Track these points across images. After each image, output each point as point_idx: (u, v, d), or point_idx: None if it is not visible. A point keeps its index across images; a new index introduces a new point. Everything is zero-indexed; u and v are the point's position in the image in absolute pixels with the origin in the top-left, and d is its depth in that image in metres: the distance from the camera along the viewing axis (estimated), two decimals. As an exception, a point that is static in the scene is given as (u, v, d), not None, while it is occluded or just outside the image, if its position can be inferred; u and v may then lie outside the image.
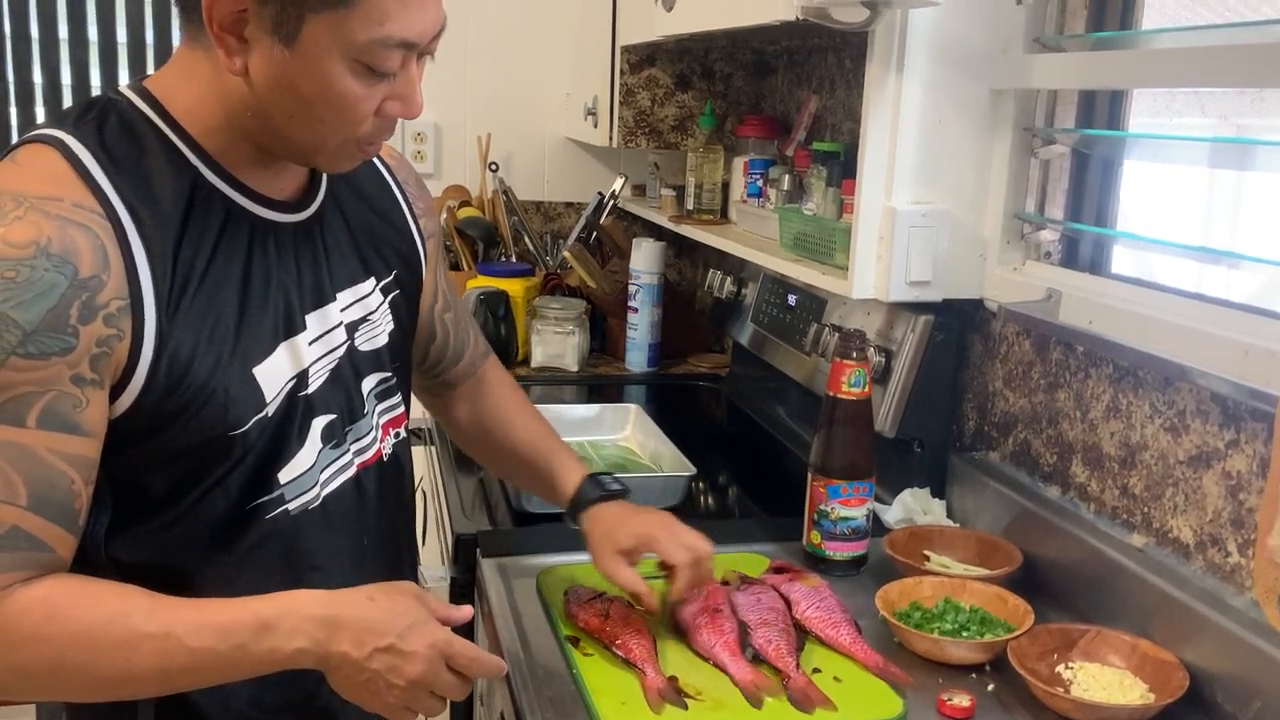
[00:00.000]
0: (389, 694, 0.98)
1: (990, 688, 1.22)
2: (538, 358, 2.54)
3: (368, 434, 1.15)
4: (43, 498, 0.90)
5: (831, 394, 1.48)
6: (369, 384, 1.16)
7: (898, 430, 1.65)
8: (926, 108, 1.52)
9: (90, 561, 0.99)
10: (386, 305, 1.18)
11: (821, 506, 1.48)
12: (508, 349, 2.52)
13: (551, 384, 2.50)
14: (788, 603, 1.33)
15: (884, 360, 1.67)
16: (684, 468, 1.76)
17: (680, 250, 2.92)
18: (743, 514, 1.87)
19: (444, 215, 2.82)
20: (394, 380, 1.20)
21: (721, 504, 1.91)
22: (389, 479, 1.19)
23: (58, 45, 2.84)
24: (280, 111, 0.97)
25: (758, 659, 1.23)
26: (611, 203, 2.65)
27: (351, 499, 1.14)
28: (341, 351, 1.11)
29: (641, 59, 2.38)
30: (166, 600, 0.95)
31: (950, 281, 1.58)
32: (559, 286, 2.74)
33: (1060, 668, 1.22)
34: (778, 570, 1.43)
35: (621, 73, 2.38)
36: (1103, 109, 1.52)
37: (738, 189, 2.23)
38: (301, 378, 1.06)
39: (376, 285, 1.17)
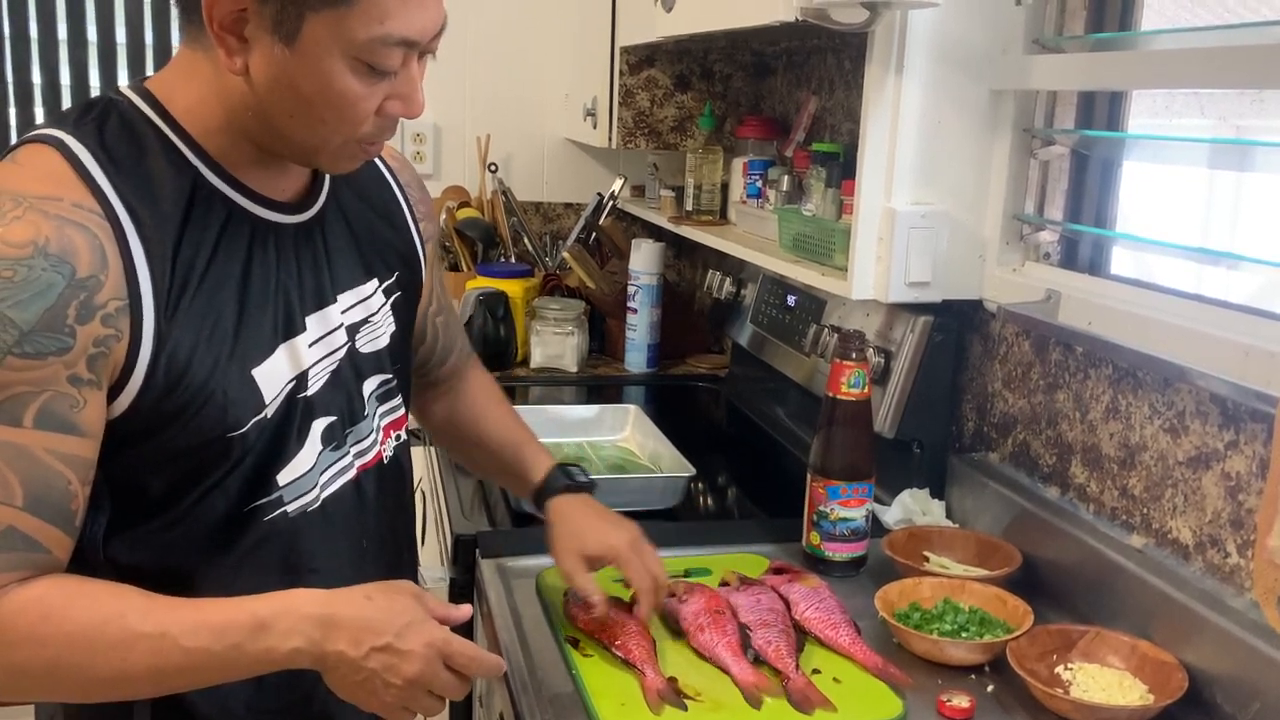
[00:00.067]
0: (386, 693, 0.97)
1: (990, 689, 1.22)
2: (537, 358, 2.53)
3: (368, 436, 1.15)
4: (39, 498, 0.90)
5: (831, 395, 1.48)
6: (370, 386, 1.16)
7: (897, 431, 1.65)
8: (926, 108, 1.52)
9: (88, 562, 0.99)
10: (388, 307, 1.18)
11: (821, 507, 1.48)
12: (507, 350, 2.52)
13: (551, 385, 2.50)
14: (787, 604, 1.33)
15: (883, 361, 1.67)
16: (683, 468, 1.76)
17: (679, 251, 2.92)
18: (742, 515, 1.87)
19: (443, 216, 2.82)
20: (395, 382, 1.20)
21: (721, 505, 1.91)
22: (389, 481, 1.19)
23: (57, 45, 2.84)
24: (281, 111, 0.96)
25: (758, 660, 1.23)
26: (611, 203, 2.65)
27: (351, 501, 1.13)
28: (342, 353, 1.11)
29: (641, 60, 2.39)
30: (163, 600, 0.95)
31: (949, 282, 1.58)
32: (558, 287, 2.74)
33: (1060, 668, 1.22)
34: (777, 571, 1.43)
35: (621, 73, 2.38)
36: (1102, 110, 1.52)
37: (737, 190, 2.23)
38: (301, 379, 1.06)
39: (379, 286, 1.17)
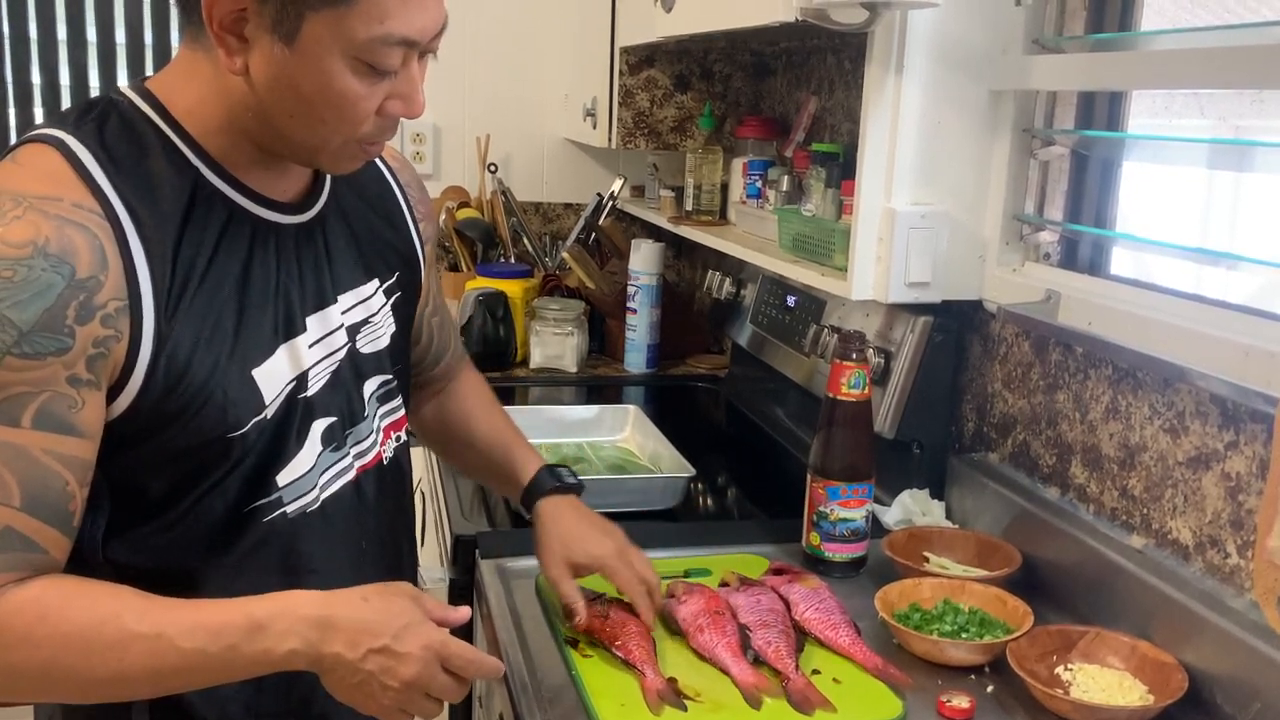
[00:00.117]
0: (383, 696, 0.97)
1: (989, 689, 1.22)
2: (536, 359, 2.53)
3: (368, 437, 1.15)
4: (36, 499, 0.90)
5: (831, 395, 1.48)
6: (370, 386, 1.15)
7: (897, 431, 1.65)
8: (926, 109, 1.52)
9: (88, 563, 0.99)
10: (389, 307, 1.18)
11: (821, 508, 1.48)
12: (506, 350, 2.52)
13: (550, 385, 2.50)
14: (787, 604, 1.33)
15: (883, 361, 1.67)
16: (683, 469, 1.76)
17: (679, 251, 2.92)
18: (742, 515, 1.87)
19: (443, 216, 2.82)
20: (395, 383, 1.20)
21: (720, 505, 1.91)
22: (389, 482, 1.19)
23: (56, 46, 2.84)
24: (281, 111, 0.96)
25: (757, 661, 1.23)
26: (610, 204, 2.65)
27: (351, 502, 1.13)
28: (343, 354, 1.11)
29: (640, 60, 2.38)
30: (159, 601, 0.94)
31: (949, 283, 1.58)
32: (558, 287, 2.74)
33: (1059, 669, 1.22)
34: (777, 572, 1.43)
35: (620, 74, 2.38)
36: (1102, 110, 1.52)
37: (737, 190, 2.23)
38: (301, 380, 1.06)
39: (380, 287, 1.17)
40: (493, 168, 2.87)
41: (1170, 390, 1.29)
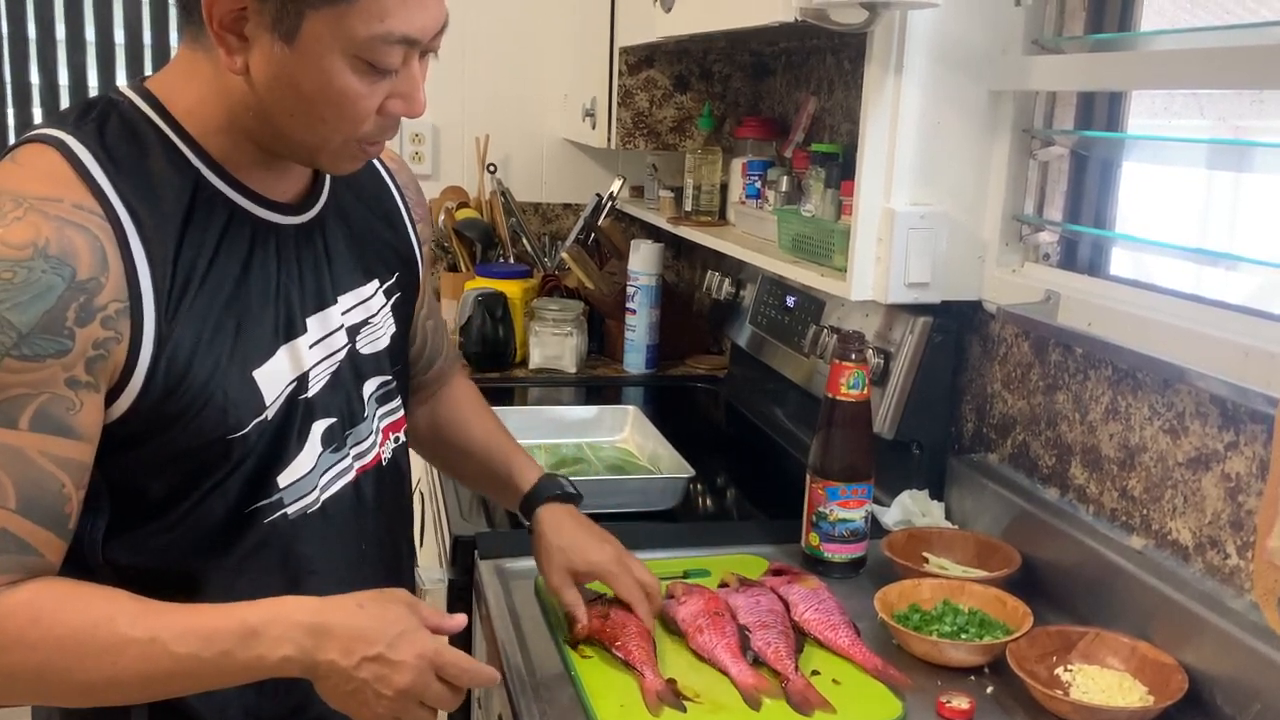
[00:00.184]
0: (377, 704, 0.96)
1: (989, 690, 1.22)
2: (536, 359, 2.53)
3: (368, 438, 1.15)
4: (32, 501, 0.90)
5: (830, 396, 1.48)
6: (370, 387, 1.15)
7: (896, 432, 1.65)
8: (925, 109, 1.52)
9: (88, 564, 0.99)
10: (388, 308, 1.18)
11: (820, 508, 1.48)
12: (505, 350, 2.52)
13: (549, 385, 2.50)
14: (786, 605, 1.33)
15: (882, 362, 1.67)
16: (682, 469, 1.76)
17: (678, 252, 2.92)
18: (741, 516, 1.87)
19: (442, 216, 2.82)
20: (394, 384, 1.20)
21: (720, 506, 1.91)
22: (388, 483, 1.18)
23: (55, 46, 2.83)
24: (282, 110, 0.96)
25: (757, 662, 1.23)
26: (610, 204, 2.65)
27: (350, 503, 1.13)
28: (342, 355, 1.11)
29: (640, 60, 2.38)
30: (153, 605, 0.94)
31: (949, 283, 1.58)
32: (557, 288, 2.74)
33: (1059, 670, 1.22)
34: (776, 572, 1.43)
35: (620, 74, 2.38)
36: (1101, 110, 1.52)
37: (736, 190, 2.23)
38: (302, 381, 1.06)
39: (379, 288, 1.17)
40: (492, 168, 2.87)
41: (1170, 391, 1.29)
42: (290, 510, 1.06)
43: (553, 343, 2.52)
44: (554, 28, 2.86)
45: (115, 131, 0.96)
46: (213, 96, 0.98)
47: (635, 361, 2.56)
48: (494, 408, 1.47)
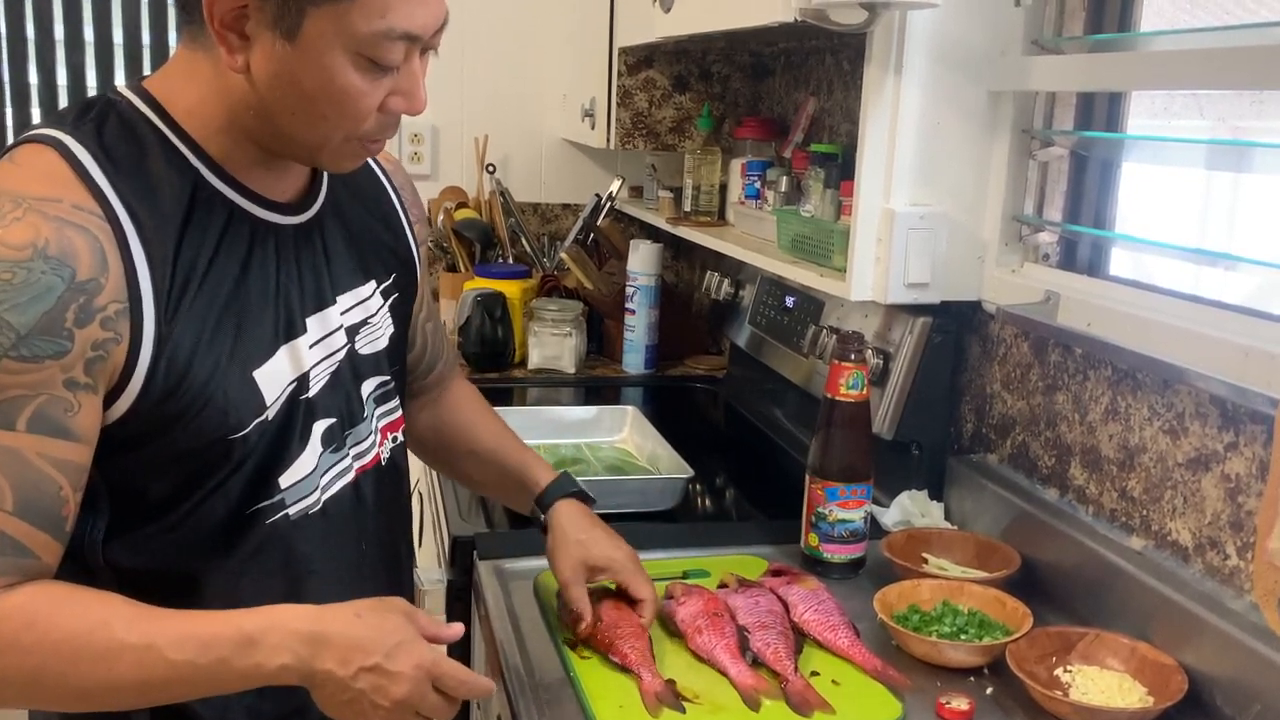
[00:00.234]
0: (374, 714, 0.96)
1: (989, 691, 1.22)
2: (535, 359, 2.53)
3: (367, 438, 1.15)
4: (29, 502, 0.89)
5: (829, 396, 1.48)
6: (368, 387, 1.15)
7: (896, 432, 1.65)
8: (925, 109, 1.52)
9: (88, 566, 0.99)
10: (386, 308, 1.18)
11: (819, 509, 1.48)
12: (505, 351, 2.52)
13: (548, 386, 2.50)
14: (786, 605, 1.32)
15: (882, 362, 1.67)
16: (681, 470, 1.76)
17: (678, 252, 2.92)
18: (740, 516, 1.87)
19: (441, 217, 2.81)
20: (392, 384, 1.20)
21: (719, 506, 1.91)
22: (387, 483, 1.18)
23: (53, 46, 2.83)
24: (283, 109, 0.96)
25: (756, 662, 1.23)
26: (609, 204, 2.65)
27: (350, 503, 1.13)
28: (342, 355, 1.11)
29: (639, 60, 2.38)
30: (150, 611, 0.93)
31: (948, 283, 1.58)
32: (556, 288, 2.73)
33: (1059, 671, 1.22)
34: (775, 573, 1.43)
35: (619, 74, 2.38)
36: (1101, 111, 1.52)
37: (735, 191, 2.23)
38: (302, 381, 1.06)
39: (377, 288, 1.16)
40: (491, 168, 2.87)
41: (1170, 391, 1.29)
42: (291, 511, 1.06)
43: (552, 343, 2.52)
44: (553, 28, 2.86)
45: (114, 132, 0.96)
46: (213, 96, 0.98)
47: (634, 362, 2.56)
48: (493, 408, 1.47)
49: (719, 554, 1.53)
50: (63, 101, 2.86)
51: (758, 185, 2.13)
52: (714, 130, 2.35)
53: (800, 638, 1.28)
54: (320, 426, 1.08)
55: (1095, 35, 1.49)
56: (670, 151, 2.48)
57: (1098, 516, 1.42)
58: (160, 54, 2.86)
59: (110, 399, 0.93)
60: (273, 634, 0.93)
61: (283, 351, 1.04)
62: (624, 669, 1.21)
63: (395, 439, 1.21)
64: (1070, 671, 1.22)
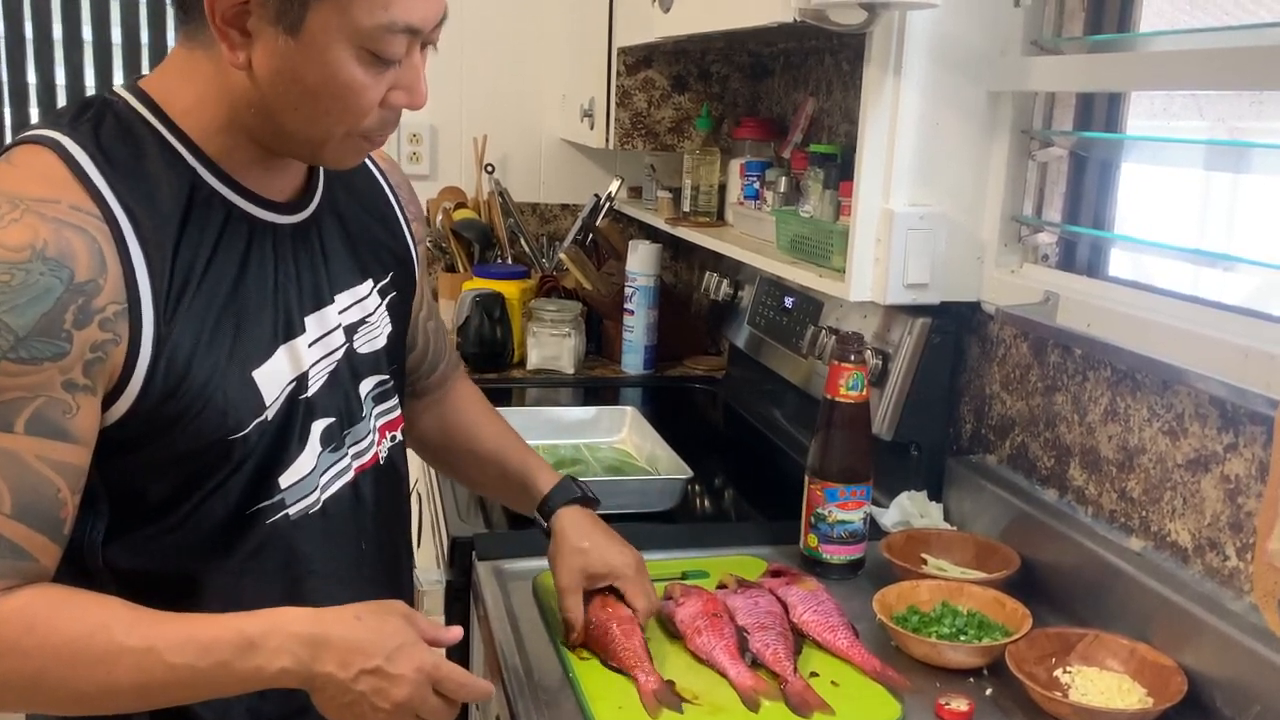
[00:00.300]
0: (374, 717, 0.96)
1: (988, 692, 1.21)
2: (533, 360, 2.53)
3: (365, 437, 1.15)
4: (27, 505, 0.89)
5: (829, 397, 1.48)
6: (367, 386, 1.15)
7: (895, 433, 1.65)
8: (924, 110, 1.52)
9: (87, 568, 0.98)
10: (384, 308, 1.18)
11: (818, 510, 1.48)
12: (503, 351, 2.52)
13: (547, 386, 2.50)
14: (785, 606, 1.32)
15: (881, 363, 1.67)
16: (680, 470, 1.76)
17: (677, 252, 2.92)
18: (739, 517, 1.86)
19: (440, 217, 2.81)
20: (391, 383, 1.20)
21: (718, 507, 1.91)
22: (386, 483, 1.18)
23: (52, 46, 2.83)
24: (285, 105, 0.96)
25: (755, 663, 1.23)
26: (608, 205, 2.65)
27: (350, 503, 1.13)
28: (340, 354, 1.11)
29: (638, 61, 2.38)
30: (150, 614, 0.93)
31: (948, 284, 1.57)
32: (555, 288, 2.73)
33: (1058, 672, 1.22)
34: (775, 574, 1.43)
35: (618, 74, 2.38)
36: (1100, 111, 1.52)
37: (734, 191, 2.22)
38: (301, 380, 1.06)
39: (374, 287, 1.16)
40: (490, 168, 2.87)
41: (1169, 392, 1.29)
42: (291, 511, 1.06)
43: (550, 343, 2.52)
44: (552, 28, 2.86)
45: (111, 132, 0.96)
46: (212, 95, 0.98)
47: (633, 362, 2.55)
48: (496, 409, 1.47)
49: (718, 555, 1.53)
50: (61, 102, 2.86)
51: (757, 186, 2.13)
52: (713, 130, 2.35)
53: (799, 639, 1.28)
54: (319, 426, 1.08)
55: (1095, 36, 1.49)
56: (669, 152, 2.48)
57: (1097, 517, 1.42)
58: (159, 54, 2.86)
59: (109, 400, 0.93)
60: (273, 637, 0.93)
61: (281, 351, 1.04)
62: (621, 671, 1.21)
63: (394, 438, 1.21)
64: (1070, 672, 1.22)
